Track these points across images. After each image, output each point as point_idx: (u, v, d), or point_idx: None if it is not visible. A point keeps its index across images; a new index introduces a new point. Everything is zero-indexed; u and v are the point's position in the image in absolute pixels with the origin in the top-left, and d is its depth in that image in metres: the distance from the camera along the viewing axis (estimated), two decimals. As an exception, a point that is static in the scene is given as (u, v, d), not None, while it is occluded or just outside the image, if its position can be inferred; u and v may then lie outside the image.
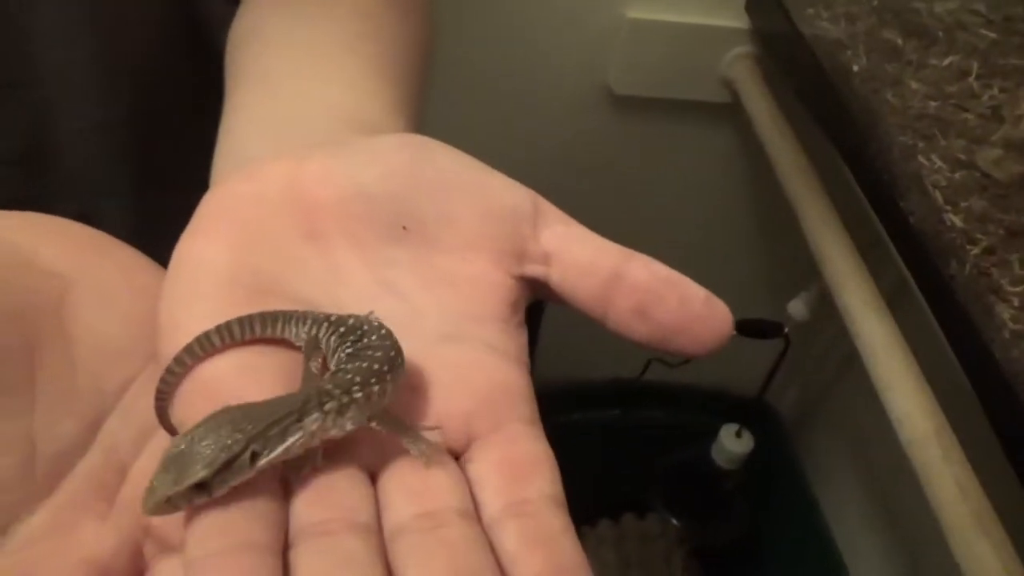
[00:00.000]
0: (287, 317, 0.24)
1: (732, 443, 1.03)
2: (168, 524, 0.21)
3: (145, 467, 0.24)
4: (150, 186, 0.41)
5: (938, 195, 0.55)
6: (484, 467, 0.22)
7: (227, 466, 0.20)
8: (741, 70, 0.86)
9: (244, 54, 0.34)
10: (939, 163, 0.57)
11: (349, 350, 0.23)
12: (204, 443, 0.20)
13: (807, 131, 0.78)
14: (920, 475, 0.57)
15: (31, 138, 0.37)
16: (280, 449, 0.20)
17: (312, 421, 0.21)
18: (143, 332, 0.25)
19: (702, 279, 0.26)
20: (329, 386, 0.21)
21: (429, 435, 0.23)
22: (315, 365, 0.23)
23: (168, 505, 0.19)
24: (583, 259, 0.25)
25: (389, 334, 0.23)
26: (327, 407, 0.21)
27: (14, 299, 0.23)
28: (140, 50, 0.38)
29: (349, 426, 0.21)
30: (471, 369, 0.24)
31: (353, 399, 0.21)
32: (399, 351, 0.23)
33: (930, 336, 0.60)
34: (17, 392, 0.23)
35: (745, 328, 0.95)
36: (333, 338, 0.23)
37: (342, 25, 0.34)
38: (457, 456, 0.23)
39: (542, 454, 0.23)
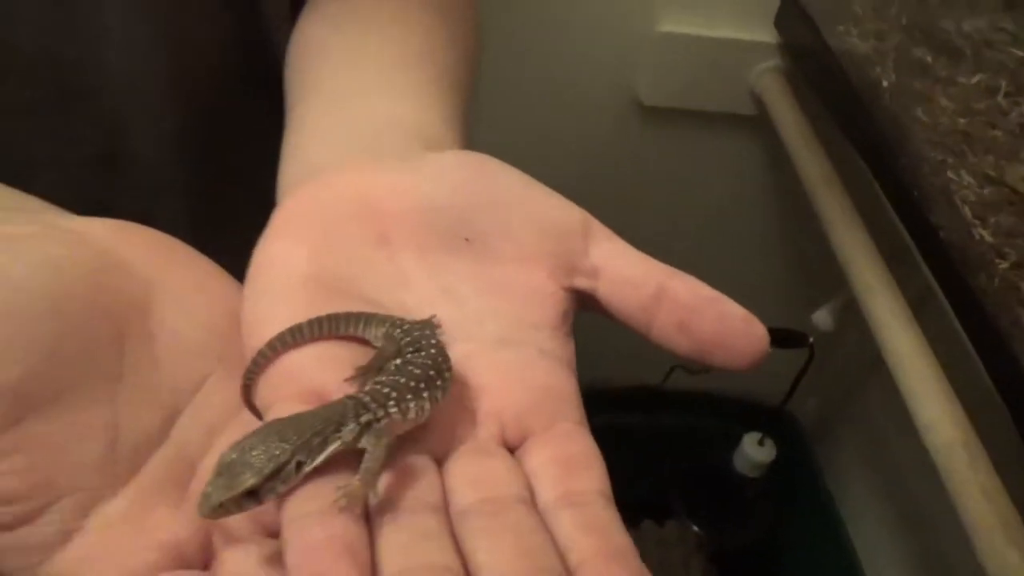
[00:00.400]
0: (368, 318, 0.26)
1: (755, 451, 1.04)
2: (234, 518, 0.22)
3: (217, 456, 0.25)
4: (206, 190, 0.43)
5: (967, 210, 0.57)
6: (539, 461, 0.24)
7: (275, 474, 0.21)
8: (769, 83, 0.88)
9: (308, 69, 0.36)
10: (968, 179, 0.58)
11: (398, 362, 0.25)
12: (254, 453, 0.21)
13: (834, 143, 0.79)
14: (946, 482, 0.58)
15: (104, 144, 0.39)
16: (321, 458, 0.22)
17: (349, 432, 0.22)
18: (216, 336, 0.27)
19: (728, 288, 0.27)
20: (367, 399, 0.23)
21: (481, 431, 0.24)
22: (387, 363, 0.25)
23: (221, 510, 0.21)
24: (629, 275, 0.27)
25: (437, 354, 0.25)
26: (363, 419, 0.22)
27: (106, 298, 0.25)
28: (204, 64, 0.41)
29: (384, 439, 0.23)
30: (526, 371, 0.26)
31: (388, 414, 0.23)
32: (441, 372, 0.24)
33: (956, 346, 0.61)
34: (104, 383, 0.24)
35: (770, 337, 0.96)
36: (399, 343, 0.25)
37: (401, 44, 0.36)
38: (512, 450, 0.25)
39: (592, 452, 0.24)
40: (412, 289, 0.27)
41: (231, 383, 0.26)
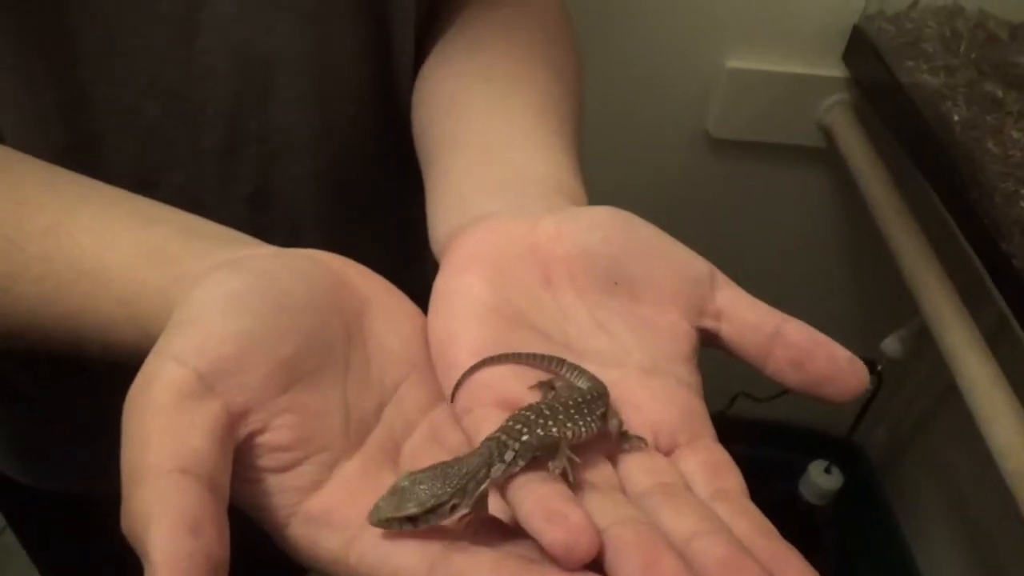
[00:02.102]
0: (560, 362, 0.31)
1: (821, 479, 1.04)
2: None
3: (414, 445, 0.31)
4: (339, 225, 0.48)
5: (1040, 239, 0.58)
6: (691, 465, 0.29)
7: (432, 510, 0.25)
8: (838, 116, 0.90)
9: (445, 120, 0.41)
10: (1041, 209, 0.59)
11: (562, 399, 0.28)
12: (422, 487, 0.25)
13: (902, 175, 0.81)
14: (1022, 508, 0.59)
15: (259, 182, 0.45)
16: (473, 500, 0.26)
17: (497, 470, 0.26)
18: (410, 347, 0.32)
19: (797, 316, 0.31)
20: (504, 437, 0.27)
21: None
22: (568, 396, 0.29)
23: (384, 523, 0.25)
24: (749, 318, 0.31)
25: (589, 402, 0.28)
26: (506, 457, 0.26)
27: (340, 305, 0.31)
28: (344, 112, 0.46)
29: (521, 463, 0.26)
30: (670, 395, 0.30)
31: (521, 442, 0.27)
32: (577, 426, 0.28)
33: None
34: (339, 370, 0.30)
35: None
36: (575, 398, 0.29)
37: (528, 99, 0.41)
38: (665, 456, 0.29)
39: (730, 461, 0.29)
40: (573, 323, 0.32)
41: (422, 387, 0.32)
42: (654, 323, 0.31)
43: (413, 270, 0.42)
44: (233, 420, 0.26)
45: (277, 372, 0.27)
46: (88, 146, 0.41)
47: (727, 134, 0.95)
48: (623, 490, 0.27)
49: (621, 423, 0.29)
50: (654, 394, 0.30)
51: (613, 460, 0.29)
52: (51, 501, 0.58)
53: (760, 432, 1.10)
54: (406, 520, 0.25)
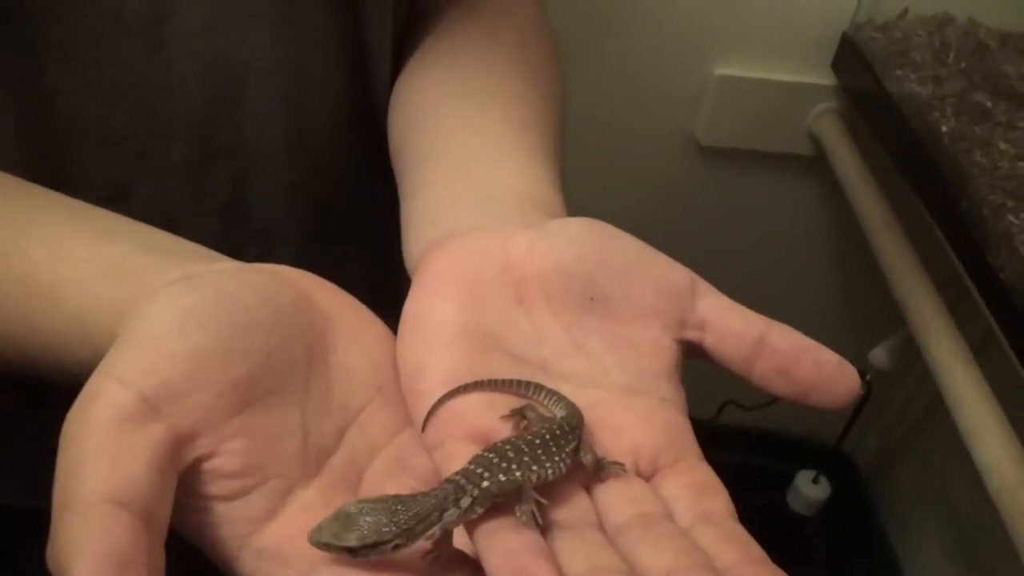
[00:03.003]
0: (549, 393, 0.29)
1: (809, 489, 1.04)
2: None
3: (378, 471, 0.29)
4: (313, 240, 0.47)
5: (1028, 252, 0.57)
6: (674, 489, 0.28)
7: (373, 546, 0.24)
8: (827, 124, 0.89)
9: (421, 134, 0.40)
10: (1029, 222, 0.59)
11: (529, 438, 0.27)
12: (367, 519, 0.24)
13: (891, 184, 0.80)
14: (1008, 524, 0.58)
15: (231, 195, 0.44)
16: (418, 542, 0.25)
17: (450, 515, 0.25)
18: (376, 369, 0.31)
19: (785, 324, 0.30)
20: (463, 481, 0.25)
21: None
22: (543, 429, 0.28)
23: (324, 548, 0.24)
24: (732, 326, 0.30)
25: (556, 439, 0.27)
26: (462, 503, 0.25)
27: (301, 323, 0.29)
28: (322, 122, 0.45)
29: (480, 510, 0.25)
30: (652, 415, 0.29)
31: (480, 488, 0.25)
32: (543, 468, 0.27)
33: (1017, 387, 0.61)
34: (297, 393, 0.28)
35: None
36: (545, 434, 0.28)
37: (507, 112, 0.40)
38: (647, 480, 0.28)
39: (717, 482, 0.28)
40: (549, 344, 0.31)
41: (388, 411, 0.30)
42: (634, 340, 0.30)
43: (390, 287, 0.41)
44: (178, 445, 0.25)
45: (229, 393, 0.26)
46: (53, 158, 0.40)
47: (716, 142, 0.94)
48: (600, 524, 0.26)
49: (595, 456, 0.28)
50: (635, 415, 0.29)
51: (591, 489, 0.28)
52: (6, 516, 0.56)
53: (748, 441, 1.10)
54: (344, 550, 0.24)
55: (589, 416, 0.29)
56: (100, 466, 0.23)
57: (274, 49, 0.40)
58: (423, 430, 0.29)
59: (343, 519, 0.24)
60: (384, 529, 0.24)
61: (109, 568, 0.21)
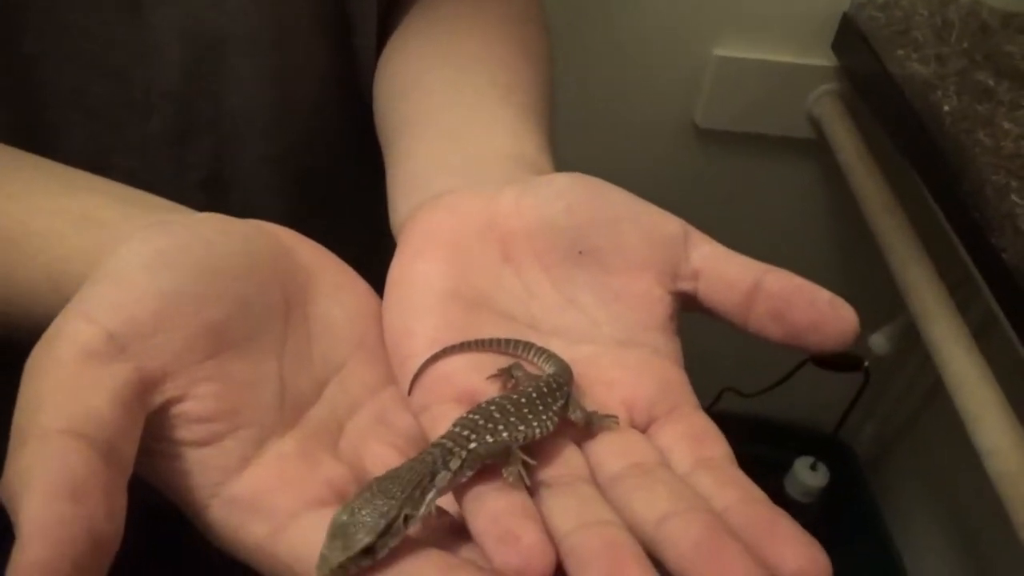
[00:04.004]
0: (526, 346, 0.29)
1: (807, 476, 1.03)
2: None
3: (358, 427, 0.29)
4: (299, 215, 0.46)
5: (1031, 233, 0.56)
6: (670, 438, 0.27)
7: (387, 530, 0.22)
8: (827, 107, 0.88)
9: (407, 103, 0.39)
10: (1033, 202, 0.58)
11: (515, 396, 0.26)
12: (364, 513, 0.23)
13: (892, 166, 0.79)
14: (1009, 509, 0.57)
15: (213, 168, 0.43)
16: (423, 509, 0.24)
17: (442, 479, 0.24)
18: (356, 325, 0.30)
19: None
20: (450, 444, 0.24)
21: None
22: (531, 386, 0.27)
23: (340, 570, 0.22)
24: (727, 274, 0.29)
25: (544, 396, 0.26)
26: (451, 465, 0.24)
27: (280, 274, 0.29)
28: (305, 93, 0.44)
29: (469, 473, 0.24)
30: (645, 368, 0.28)
31: (468, 450, 0.24)
32: (531, 427, 0.26)
33: (1020, 372, 0.60)
34: (275, 343, 0.28)
35: (823, 361, 0.96)
36: (532, 392, 0.27)
37: (493, 77, 0.39)
38: (642, 432, 0.27)
39: (713, 428, 0.27)
40: (539, 300, 0.30)
41: (368, 367, 0.30)
42: (626, 292, 0.29)
43: (378, 263, 0.40)
44: (146, 385, 0.24)
45: (201, 337, 0.25)
46: (31, 129, 0.39)
47: (715, 124, 0.93)
48: (593, 478, 0.25)
49: (585, 410, 0.27)
50: (628, 368, 0.28)
51: (585, 444, 0.27)
52: None
53: (746, 428, 1.09)
54: (363, 555, 0.22)
55: (581, 371, 0.28)
56: (60, 399, 0.22)
57: (253, 14, 0.39)
58: (409, 394, 0.28)
59: (340, 530, 0.23)
60: (387, 509, 0.23)
61: (62, 497, 0.20)
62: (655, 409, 0.28)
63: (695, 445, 0.26)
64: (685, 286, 0.30)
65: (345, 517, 0.23)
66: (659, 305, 0.29)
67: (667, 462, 0.26)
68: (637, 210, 0.30)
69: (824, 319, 0.27)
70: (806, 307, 0.27)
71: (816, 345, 0.27)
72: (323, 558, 0.22)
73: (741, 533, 0.22)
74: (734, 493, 0.24)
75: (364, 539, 0.22)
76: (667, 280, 0.29)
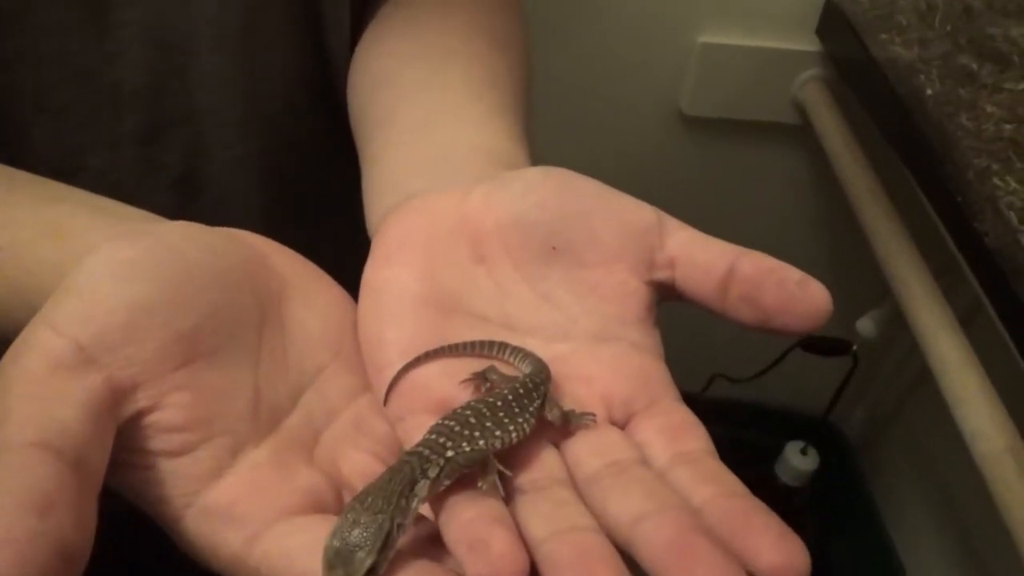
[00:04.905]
0: (514, 350, 0.29)
1: (797, 460, 1.03)
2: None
3: (335, 435, 0.28)
4: (275, 217, 0.46)
5: (1013, 216, 0.56)
6: (648, 433, 0.27)
7: (385, 545, 0.22)
8: (812, 92, 0.88)
9: (381, 101, 0.38)
10: (1014, 185, 0.58)
11: (490, 400, 0.26)
12: (355, 533, 0.22)
13: (878, 151, 0.79)
14: (993, 491, 0.58)
15: (185, 167, 0.42)
16: (410, 517, 0.24)
17: (422, 488, 0.24)
18: (333, 334, 0.30)
19: None
20: (427, 452, 0.24)
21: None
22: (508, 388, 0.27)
23: None
24: (703, 261, 0.28)
25: (519, 397, 0.26)
26: (430, 473, 0.24)
27: (254, 282, 0.28)
28: (277, 91, 0.44)
29: (447, 482, 0.24)
30: (623, 362, 0.28)
31: (446, 459, 0.24)
32: (507, 432, 0.26)
33: (1004, 355, 0.60)
34: (249, 352, 0.27)
35: (812, 346, 0.96)
36: (507, 395, 0.27)
37: (466, 72, 0.39)
38: (620, 428, 0.27)
39: (693, 421, 0.27)
40: (513, 299, 0.30)
41: (345, 376, 0.30)
42: (600, 286, 0.29)
43: (357, 266, 0.40)
44: (116, 396, 0.23)
45: (172, 346, 0.25)
46: None
47: (700, 111, 0.93)
48: (570, 479, 0.25)
49: (562, 409, 0.27)
50: (605, 363, 0.28)
51: (563, 443, 0.27)
52: None
53: (737, 414, 1.09)
54: (369, 574, 0.22)
55: (558, 369, 0.28)
56: (28, 411, 0.21)
57: (221, 11, 0.39)
58: (385, 404, 0.28)
59: (337, 558, 0.22)
60: (380, 522, 0.22)
61: (29, 509, 0.19)
62: (634, 404, 0.27)
63: (673, 439, 0.26)
64: (661, 275, 0.29)
65: (337, 543, 0.22)
66: (635, 297, 0.29)
67: (645, 458, 0.26)
68: (609, 201, 0.30)
69: (793, 300, 0.26)
70: (775, 289, 0.27)
71: (786, 327, 0.27)
72: None
73: (717, 528, 0.22)
74: (711, 488, 0.24)
75: (368, 559, 0.22)
76: (642, 270, 0.29)
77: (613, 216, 0.29)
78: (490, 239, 0.30)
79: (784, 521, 0.23)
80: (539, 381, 0.27)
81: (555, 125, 0.91)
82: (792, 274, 0.27)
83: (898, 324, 0.83)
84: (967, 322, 0.68)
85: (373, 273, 0.30)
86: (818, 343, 0.94)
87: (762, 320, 0.27)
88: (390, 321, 0.29)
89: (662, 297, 0.30)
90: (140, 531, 0.27)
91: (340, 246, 0.48)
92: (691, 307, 0.30)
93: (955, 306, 0.68)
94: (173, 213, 0.31)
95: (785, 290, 0.26)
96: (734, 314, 0.28)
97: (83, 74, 0.38)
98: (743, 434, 1.12)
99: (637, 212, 0.30)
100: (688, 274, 0.29)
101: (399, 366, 0.28)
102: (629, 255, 0.29)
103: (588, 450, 0.26)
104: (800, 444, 1.04)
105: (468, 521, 0.23)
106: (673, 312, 0.31)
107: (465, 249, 0.30)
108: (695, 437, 0.26)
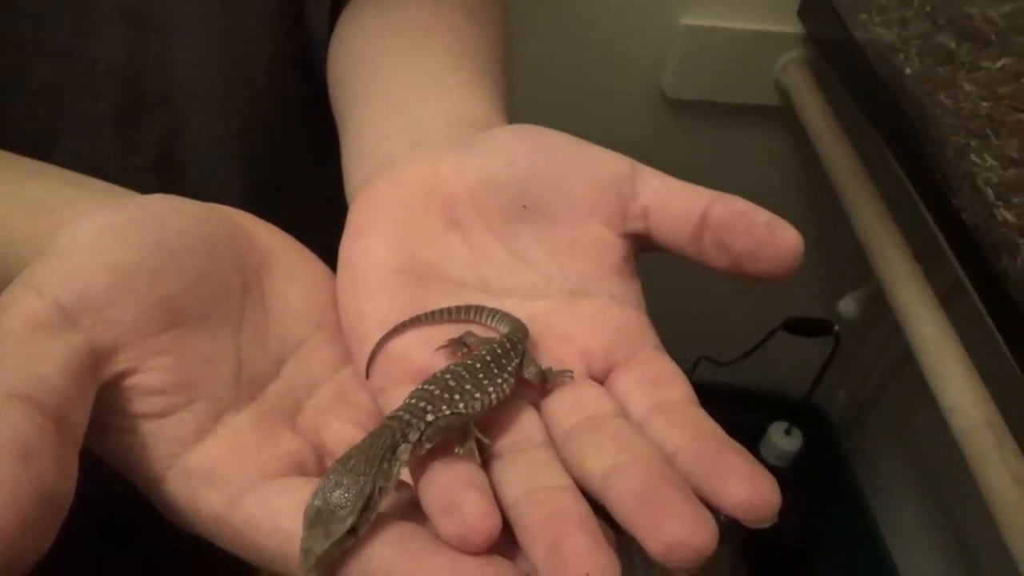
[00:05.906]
0: (490, 312, 0.29)
1: (781, 440, 1.04)
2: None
3: (317, 404, 0.29)
4: (256, 198, 0.46)
5: (990, 192, 0.57)
6: (627, 384, 0.27)
7: (367, 507, 0.22)
8: (793, 74, 0.88)
9: (358, 78, 0.38)
10: (991, 161, 0.58)
11: (469, 363, 0.26)
12: (336, 494, 0.22)
13: (859, 132, 0.80)
14: (972, 465, 0.58)
15: (164, 148, 0.42)
16: (392, 480, 0.24)
17: (403, 451, 0.24)
18: (314, 306, 0.30)
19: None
20: (407, 416, 0.24)
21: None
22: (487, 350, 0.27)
23: (325, 557, 0.22)
24: (676, 209, 0.28)
25: (497, 359, 0.26)
26: (411, 437, 0.24)
27: (236, 254, 0.29)
28: (257, 70, 0.43)
29: (428, 445, 0.24)
30: (602, 315, 0.28)
31: (427, 423, 0.24)
32: (486, 394, 0.26)
33: (983, 332, 0.61)
34: (231, 320, 0.28)
35: (795, 326, 0.97)
36: (486, 356, 0.27)
37: (441, 49, 0.39)
38: (601, 382, 0.27)
39: (673, 369, 0.27)
40: (488, 262, 0.30)
41: (327, 348, 0.30)
42: (575, 242, 0.29)
43: (339, 239, 0.40)
44: (98, 357, 0.24)
45: (155, 310, 0.25)
46: None
47: (683, 94, 0.93)
48: (549, 439, 0.26)
49: (539, 367, 0.27)
50: (584, 319, 0.28)
51: (542, 402, 0.27)
52: None
53: (722, 397, 1.10)
54: (347, 536, 0.22)
55: (537, 327, 0.28)
56: (8, 366, 0.22)
57: None
58: (367, 377, 0.28)
59: (316, 518, 0.22)
60: (361, 484, 0.22)
61: (12, 456, 0.20)
62: (613, 356, 0.27)
63: (652, 388, 0.26)
64: (636, 226, 0.29)
65: (318, 503, 0.22)
66: (611, 250, 0.29)
67: (624, 410, 0.26)
68: (581, 155, 0.30)
69: (762, 244, 0.26)
70: (744, 232, 0.26)
71: (757, 273, 0.26)
72: (305, 552, 0.22)
73: (689, 473, 0.23)
74: (685, 433, 0.24)
75: (348, 519, 0.22)
76: (616, 222, 0.29)
77: (584, 170, 0.29)
78: (462, 203, 0.30)
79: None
80: (516, 340, 0.27)
81: (538, 107, 0.90)
82: (760, 216, 0.26)
83: (880, 305, 0.83)
84: (948, 302, 0.68)
85: (348, 246, 0.30)
86: (801, 324, 0.95)
87: (733, 266, 0.27)
88: (367, 294, 0.29)
89: (641, 248, 0.30)
90: (129, 516, 0.27)
91: (323, 224, 0.48)
92: (676, 292, 0.30)
93: (936, 286, 0.69)
94: (154, 193, 0.31)
95: (752, 234, 0.26)
96: (710, 262, 0.27)
97: (59, 54, 0.38)
98: (728, 415, 1.13)
99: (608, 163, 0.29)
100: (662, 223, 0.28)
101: (378, 338, 0.28)
102: (601, 208, 0.29)
103: (565, 407, 0.26)
104: (784, 425, 1.05)
105: (443, 485, 0.23)
106: (659, 296, 0.30)
107: (438, 215, 0.30)
108: (674, 385, 0.26)
